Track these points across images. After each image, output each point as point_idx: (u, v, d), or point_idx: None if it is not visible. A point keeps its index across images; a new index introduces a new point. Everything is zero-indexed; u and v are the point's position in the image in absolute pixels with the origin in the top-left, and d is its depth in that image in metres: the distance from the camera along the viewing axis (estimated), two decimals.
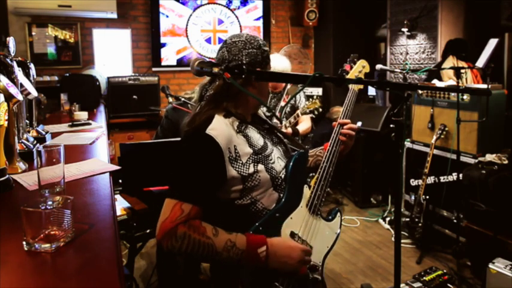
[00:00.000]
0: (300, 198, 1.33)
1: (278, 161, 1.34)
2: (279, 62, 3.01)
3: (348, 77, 1.58)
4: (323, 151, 1.53)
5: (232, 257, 1.15)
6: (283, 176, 1.33)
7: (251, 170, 1.24)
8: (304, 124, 3.03)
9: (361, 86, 1.57)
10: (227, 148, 1.22)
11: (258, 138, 1.33)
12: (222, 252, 1.14)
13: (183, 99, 2.70)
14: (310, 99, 2.75)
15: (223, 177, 1.22)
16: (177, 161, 1.24)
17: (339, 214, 1.45)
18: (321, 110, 2.75)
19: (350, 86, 1.53)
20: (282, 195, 1.31)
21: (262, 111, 1.55)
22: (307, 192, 1.35)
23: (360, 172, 4.27)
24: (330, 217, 1.43)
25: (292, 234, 1.28)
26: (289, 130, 2.86)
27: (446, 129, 3.17)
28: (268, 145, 1.35)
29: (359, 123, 4.11)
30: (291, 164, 1.34)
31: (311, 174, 1.44)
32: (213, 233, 1.15)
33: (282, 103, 3.10)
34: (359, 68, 1.60)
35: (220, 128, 1.23)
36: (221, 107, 1.30)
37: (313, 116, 2.80)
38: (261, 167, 1.26)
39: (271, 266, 1.19)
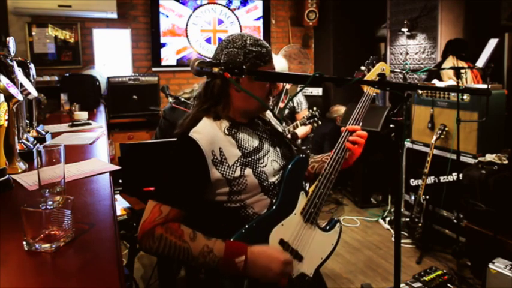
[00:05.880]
0: (294, 205, 1.28)
1: (272, 163, 1.30)
2: (278, 63, 3.00)
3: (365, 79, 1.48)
4: (329, 158, 1.48)
5: (209, 263, 1.14)
6: (276, 180, 1.29)
7: (237, 173, 1.22)
8: (303, 127, 3.03)
9: (378, 90, 1.44)
10: (210, 151, 1.20)
11: (251, 140, 1.30)
12: (198, 257, 1.13)
13: (182, 99, 2.70)
14: (310, 110, 2.77)
15: (205, 180, 1.20)
16: (163, 163, 1.25)
17: (338, 224, 1.39)
18: (318, 115, 2.77)
19: (365, 89, 1.45)
20: (274, 200, 1.27)
21: (271, 113, 1.50)
22: (303, 199, 1.30)
23: (360, 172, 4.26)
24: (328, 227, 1.37)
25: (282, 242, 1.24)
26: (288, 136, 2.86)
27: (446, 129, 3.17)
28: (264, 146, 1.32)
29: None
30: (288, 168, 1.30)
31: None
32: (191, 237, 1.14)
33: (281, 104, 3.10)
34: (377, 70, 1.49)
35: (204, 130, 1.22)
36: (211, 110, 1.28)
37: (315, 125, 2.82)
38: (248, 171, 1.23)
39: (249, 275, 1.16)
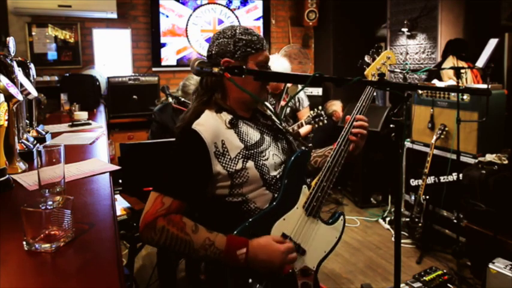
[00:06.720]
0: (296, 199, 1.28)
1: (273, 157, 1.30)
2: (280, 64, 3.01)
3: (368, 69, 1.46)
4: (332, 151, 1.48)
5: (210, 256, 1.14)
6: (278, 175, 1.29)
7: (239, 166, 1.23)
8: (306, 126, 3.03)
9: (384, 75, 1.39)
10: (213, 143, 1.21)
11: (252, 133, 1.31)
12: (199, 250, 1.14)
13: (182, 99, 2.70)
14: (315, 110, 2.78)
15: (207, 173, 1.21)
16: (165, 156, 1.25)
17: (341, 218, 1.40)
18: (324, 114, 2.78)
19: (369, 78, 1.43)
20: (276, 194, 1.27)
21: (271, 112, 1.50)
22: (305, 192, 1.30)
23: (360, 172, 4.26)
24: (331, 220, 1.37)
25: (284, 236, 1.24)
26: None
27: (446, 129, 3.17)
28: (265, 140, 1.32)
29: None
30: (290, 161, 1.30)
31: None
32: (192, 229, 1.15)
33: (282, 103, 3.10)
34: (382, 59, 1.45)
35: (207, 122, 1.23)
36: (211, 101, 1.29)
37: (321, 124, 2.82)
38: (250, 163, 1.24)
39: (251, 267, 1.16)
